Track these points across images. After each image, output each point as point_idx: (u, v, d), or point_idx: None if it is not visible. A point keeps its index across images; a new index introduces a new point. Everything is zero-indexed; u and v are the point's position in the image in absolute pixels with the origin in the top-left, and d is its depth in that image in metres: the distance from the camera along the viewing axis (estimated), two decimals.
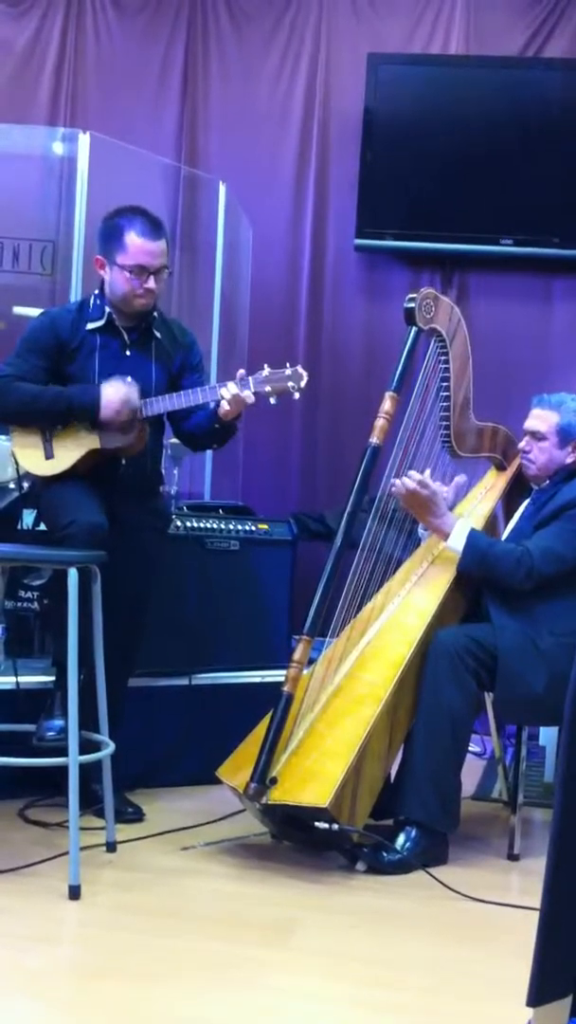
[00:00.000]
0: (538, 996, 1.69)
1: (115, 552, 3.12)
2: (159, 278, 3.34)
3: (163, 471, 3.74)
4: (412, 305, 3.28)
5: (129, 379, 3.30)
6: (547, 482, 3.51)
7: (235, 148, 5.85)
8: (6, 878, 2.86)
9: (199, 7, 5.92)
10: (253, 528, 4.11)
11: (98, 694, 3.07)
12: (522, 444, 3.54)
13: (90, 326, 3.39)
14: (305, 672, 3.18)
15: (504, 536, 3.57)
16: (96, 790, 3.24)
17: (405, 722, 3.24)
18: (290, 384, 3.24)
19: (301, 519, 4.90)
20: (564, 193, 5.43)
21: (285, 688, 3.11)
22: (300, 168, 5.85)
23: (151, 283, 3.32)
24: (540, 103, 5.48)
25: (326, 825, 2.98)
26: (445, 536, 3.38)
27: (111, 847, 3.13)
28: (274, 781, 3.04)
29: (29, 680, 3.50)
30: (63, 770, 2.87)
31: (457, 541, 3.35)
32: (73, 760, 2.84)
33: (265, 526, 4.16)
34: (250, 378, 3.24)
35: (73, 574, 2.87)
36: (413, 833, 3.16)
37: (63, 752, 2.88)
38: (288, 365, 3.27)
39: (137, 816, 3.41)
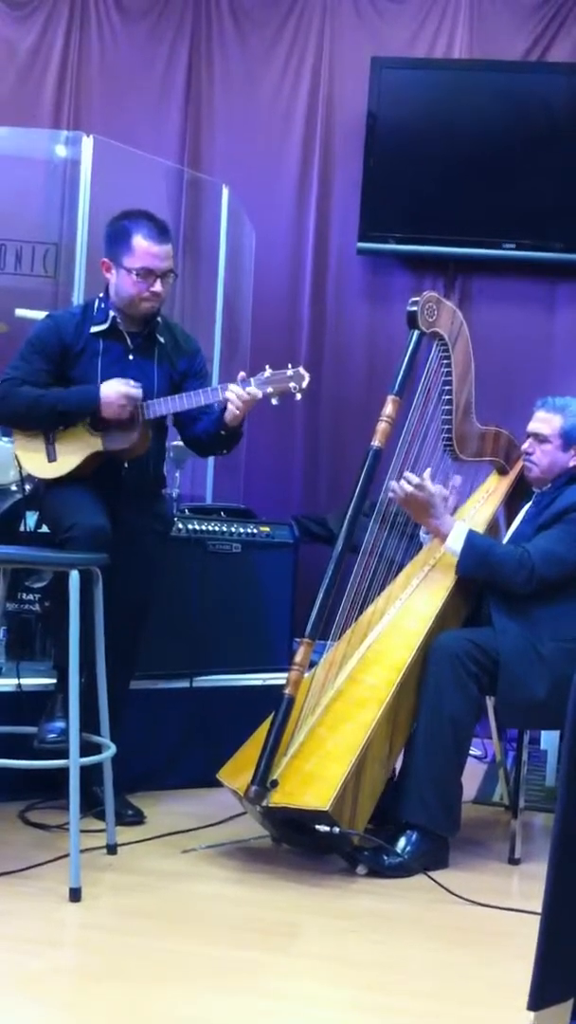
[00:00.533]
0: (539, 1000, 1.69)
1: (117, 555, 3.12)
2: (165, 282, 3.34)
3: (165, 474, 3.74)
4: (415, 308, 3.28)
5: (131, 381, 3.30)
6: (549, 485, 3.50)
7: (238, 151, 5.85)
8: (6, 880, 2.85)
9: (203, 11, 5.93)
10: (255, 531, 4.11)
11: (99, 696, 3.07)
12: (525, 446, 3.54)
13: (94, 329, 3.38)
14: (306, 675, 3.18)
15: (505, 539, 3.57)
16: (97, 792, 3.24)
17: (406, 726, 3.24)
18: (292, 384, 3.23)
19: (303, 522, 4.90)
20: (567, 197, 5.44)
21: (286, 691, 3.11)
22: (303, 171, 5.85)
23: (157, 286, 3.32)
24: (543, 107, 5.49)
25: (327, 828, 2.98)
26: (444, 537, 3.38)
27: (112, 850, 3.12)
28: (275, 784, 3.04)
29: (30, 682, 3.50)
30: (64, 772, 2.86)
31: (456, 542, 3.35)
32: (74, 762, 2.84)
33: (267, 529, 4.16)
34: (251, 379, 3.24)
35: (75, 577, 2.87)
36: (414, 837, 3.15)
37: (64, 754, 2.88)
38: (290, 366, 3.27)
39: (138, 819, 3.41)
